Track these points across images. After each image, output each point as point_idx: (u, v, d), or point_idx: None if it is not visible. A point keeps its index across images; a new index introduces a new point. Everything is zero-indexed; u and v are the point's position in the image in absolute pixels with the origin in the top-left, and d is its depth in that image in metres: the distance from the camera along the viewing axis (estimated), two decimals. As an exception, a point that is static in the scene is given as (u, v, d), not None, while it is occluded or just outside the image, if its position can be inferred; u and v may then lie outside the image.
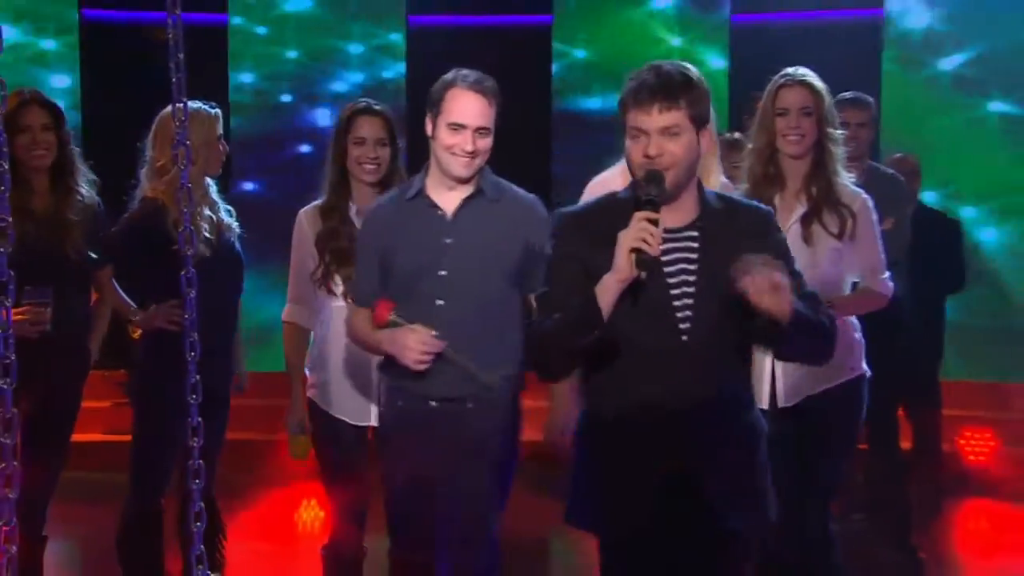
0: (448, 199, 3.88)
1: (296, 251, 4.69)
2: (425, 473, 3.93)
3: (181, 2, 2.81)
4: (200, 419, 3.06)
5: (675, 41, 10.02)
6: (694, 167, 3.17)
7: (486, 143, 3.81)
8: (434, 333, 3.76)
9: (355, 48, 10.32)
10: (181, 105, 2.97)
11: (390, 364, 3.96)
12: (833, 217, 4.46)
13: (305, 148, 9.95)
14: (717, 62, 9.87)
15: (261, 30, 10.27)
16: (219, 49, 9.95)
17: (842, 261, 4.52)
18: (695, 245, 3.19)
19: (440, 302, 3.82)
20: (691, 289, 3.18)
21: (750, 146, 4.64)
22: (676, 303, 3.17)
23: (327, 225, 4.53)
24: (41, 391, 4.41)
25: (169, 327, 4.64)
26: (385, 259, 3.96)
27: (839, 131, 4.55)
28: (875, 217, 4.56)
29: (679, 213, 3.18)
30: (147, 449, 4.94)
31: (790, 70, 4.54)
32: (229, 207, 5.06)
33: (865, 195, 4.55)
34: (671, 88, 3.08)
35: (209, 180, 4.92)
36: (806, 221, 4.47)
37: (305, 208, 4.69)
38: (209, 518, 5.12)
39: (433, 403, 3.90)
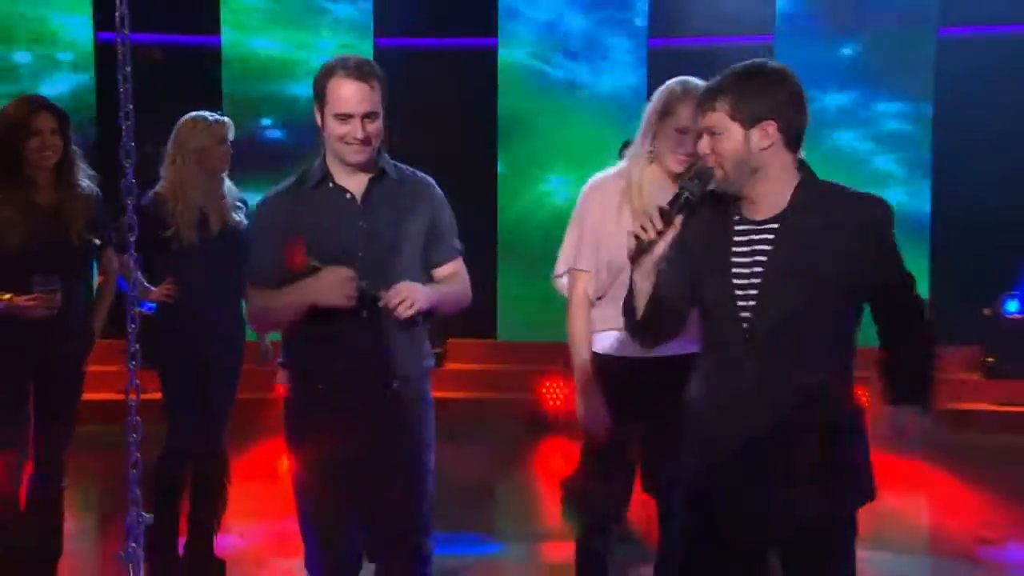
0: (354, 183, 3.46)
1: None
2: (346, 467, 3.49)
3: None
4: (136, 382, 3.20)
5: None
6: (750, 163, 2.89)
7: (376, 127, 3.37)
8: (351, 273, 3.34)
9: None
10: (127, 112, 3.06)
11: (300, 350, 3.55)
12: None
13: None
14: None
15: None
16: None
17: None
18: (771, 237, 2.92)
19: (363, 283, 3.35)
20: (758, 280, 2.91)
21: None
22: (739, 294, 2.92)
23: None
24: (51, 366, 4.45)
25: (165, 300, 4.85)
26: None
27: None
28: None
29: (760, 207, 2.94)
30: (174, 401, 4.97)
31: None
32: (240, 202, 5.09)
33: None
34: (710, 91, 2.92)
35: (224, 177, 4.99)
36: None
37: None
38: (219, 465, 5.17)
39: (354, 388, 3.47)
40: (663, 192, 3.50)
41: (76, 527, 5.64)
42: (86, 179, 4.55)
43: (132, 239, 3.12)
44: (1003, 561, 5.89)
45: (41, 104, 4.47)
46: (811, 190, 2.93)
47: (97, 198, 4.60)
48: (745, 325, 2.91)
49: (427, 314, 3.48)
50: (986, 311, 9.22)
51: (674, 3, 9.99)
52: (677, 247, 2.97)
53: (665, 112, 3.76)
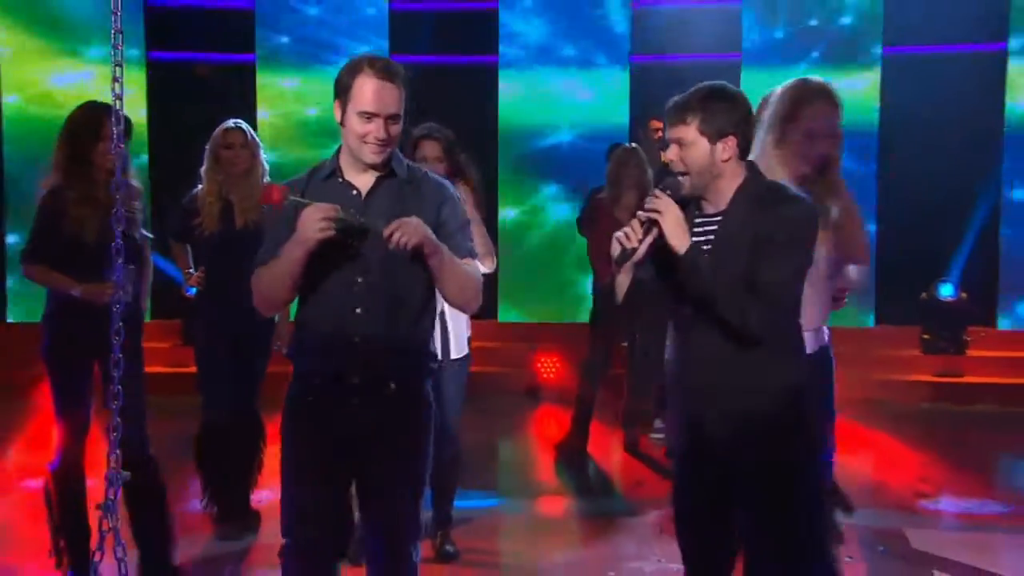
0: (362, 180, 3.10)
1: None
2: (338, 461, 3.14)
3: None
4: (116, 359, 3.31)
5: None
6: (712, 171, 2.96)
7: (397, 129, 3.03)
8: (333, 207, 2.96)
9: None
10: (117, 119, 3.28)
11: (302, 345, 3.19)
12: None
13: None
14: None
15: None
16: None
17: None
18: (715, 228, 3.00)
19: (360, 279, 3.04)
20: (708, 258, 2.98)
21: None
22: None
23: None
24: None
25: (198, 286, 5.02)
26: None
27: None
28: None
29: (712, 203, 3.02)
30: (206, 375, 5.04)
31: None
32: None
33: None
34: (680, 107, 2.98)
35: (258, 177, 5.04)
36: None
37: None
38: (254, 429, 5.19)
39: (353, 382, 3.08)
40: None
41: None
42: (135, 178, 4.52)
43: (120, 229, 3.31)
44: (938, 512, 5.91)
45: (107, 111, 4.41)
46: (751, 189, 2.99)
47: (140, 192, 4.60)
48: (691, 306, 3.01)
49: (430, 290, 3.13)
50: (923, 295, 9.29)
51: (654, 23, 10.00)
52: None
53: (792, 115, 3.52)
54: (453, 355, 4.78)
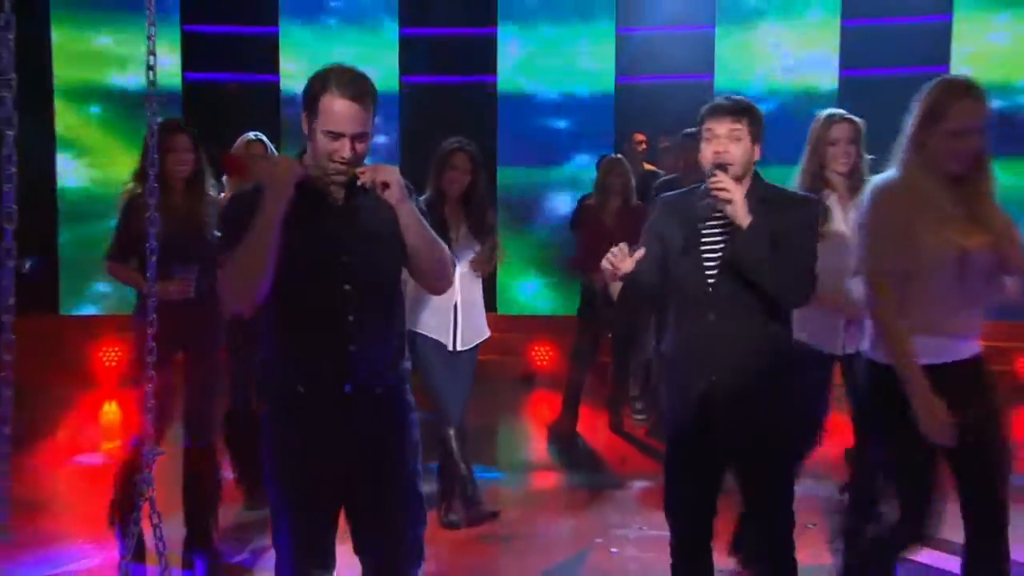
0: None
1: None
2: (333, 471, 2.73)
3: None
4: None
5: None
6: (747, 168, 3.04)
7: (365, 147, 2.65)
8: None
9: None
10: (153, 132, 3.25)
11: (281, 354, 2.74)
12: None
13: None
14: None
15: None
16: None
17: None
18: (732, 227, 3.00)
19: (347, 286, 2.68)
20: (716, 258, 3.03)
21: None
22: (707, 262, 3.03)
23: None
24: (193, 340, 4.30)
25: None
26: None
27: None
28: None
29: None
30: (237, 369, 4.94)
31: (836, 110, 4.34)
32: None
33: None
34: (739, 105, 3.05)
35: None
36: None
37: None
38: None
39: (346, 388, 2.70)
40: (945, 194, 3.00)
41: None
42: (213, 188, 4.50)
43: (152, 230, 3.29)
44: None
45: (177, 126, 4.39)
46: (758, 192, 3.05)
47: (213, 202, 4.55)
48: (710, 288, 3.02)
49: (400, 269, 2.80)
50: None
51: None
52: (652, 239, 3.12)
53: (937, 116, 3.11)
54: (459, 347, 4.81)
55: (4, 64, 2.49)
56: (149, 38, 3.06)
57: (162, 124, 4.35)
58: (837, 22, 9.63)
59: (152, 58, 3.06)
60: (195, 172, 4.34)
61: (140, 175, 4.29)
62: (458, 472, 4.86)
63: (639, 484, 5.68)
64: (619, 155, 7.06)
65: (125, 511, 4.33)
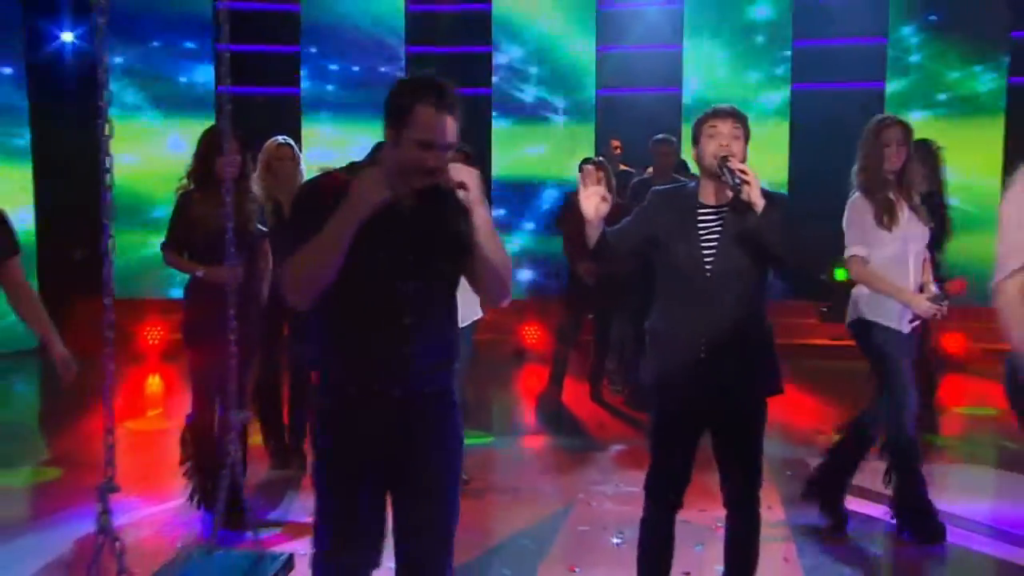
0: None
1: None
2: (377, 473, 2.45)
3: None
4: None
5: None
6: (744, 160, 2.96)
7: (451, 155, 2.38)
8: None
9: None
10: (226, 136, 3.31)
11: (334, 353, 2.44)
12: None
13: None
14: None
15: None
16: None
17: None
18: (724, 215, 2.97)
19: (408, 284, 2.40)
20: (715, 244, 2.95)
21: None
22: (705, 253, 2.96)
23: None
24: (241, 321, 4.16)
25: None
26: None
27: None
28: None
29: (717, 196, 2.99)
30: (265, 341, 4.84)
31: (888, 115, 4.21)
32: None
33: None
34: (736, 110, 3.00)
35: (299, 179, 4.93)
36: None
37: None
38: (307, 382, 5.02)
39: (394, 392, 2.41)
40: None
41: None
42: (256, 188, 4.47)
43: (230, 224, 3.31)
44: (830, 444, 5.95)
45: (224, 133, 4.36)
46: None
47: (257, 198, 4.52)
48: (708, 273, 2.95)
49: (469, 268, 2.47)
50: (823, 276, 9.26)
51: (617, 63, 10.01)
52: (642, 221, 3.07)
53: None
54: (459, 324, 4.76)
55: (102, 78, 2.56)
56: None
57: (213, 130, 4.36)
58: (789, 43, 9.66)
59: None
60: (242, 173, 4.29)
61: (192, 175, 4.30)
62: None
63: (615, 447, 5.71)
64: (601, 158, 7.06)
65: (202, 475, 4.36)
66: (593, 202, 2.91)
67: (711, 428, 3.07)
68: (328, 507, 2.47)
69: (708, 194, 3.02)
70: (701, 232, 2.98)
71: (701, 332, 2.96)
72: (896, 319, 4.05)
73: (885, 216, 3.99)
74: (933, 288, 4.07)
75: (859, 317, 4.13)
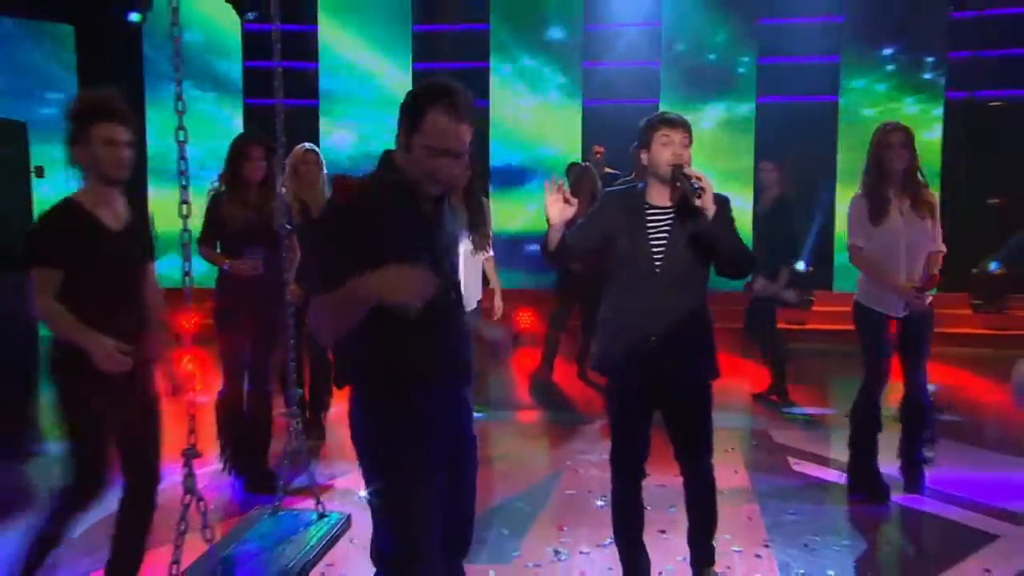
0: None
1: None
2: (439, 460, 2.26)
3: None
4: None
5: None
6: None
7: (464, 161, 2.18)
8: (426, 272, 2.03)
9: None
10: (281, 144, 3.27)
11: (401, 347, 2.17)
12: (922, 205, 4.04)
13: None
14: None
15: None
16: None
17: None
18: (672, 217, 2.93)
19: (452, 290, 2.30)
20: (664, 243, 2.91)
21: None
22: (655, 251, 2.91)
23: None
24: (262, 308, 4.20)
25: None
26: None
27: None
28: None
29: (664, 198, 2.95)
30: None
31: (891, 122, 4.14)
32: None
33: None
34: (684, 121, 2.92)
35: (322, 182, 4.98)
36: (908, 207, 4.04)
37: None
38: (327, 366, 5.06)
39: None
40: None
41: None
42: (282, 187, 4.39)
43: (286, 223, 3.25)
44: (792, 415, 5.90)
45: (254, 138, 4.35)
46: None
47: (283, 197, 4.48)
48: (658, 269, 2.91)
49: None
50: (974, 271, 9.17)
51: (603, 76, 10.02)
52: (596, 220, 2.99)
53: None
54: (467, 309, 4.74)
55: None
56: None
57: (240, 137, 4.39)
58: (754, 64, 9.69)
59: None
60: (267, 175, 4.29)
61: (222, 178, 4.33)
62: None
63: (600, 421, 5.70)
64: (587, 163, 7.08)
65: (232, 447, 4.38)
66: (557, 208, 2.83)
67: (661, 408, 3.01)
68: (407, 500, 2.16)
69: (656, 196, 2.96)
70: (650, 231, 2.93)
71: (650, 322, 2.91)
72: (885, 305, 4.07)
73: (875, 213, 4.03)
74: (915, 279, 4.05)
75: (856, 301, 4.17)
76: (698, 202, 2.78)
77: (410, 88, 2.20)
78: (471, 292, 4.83)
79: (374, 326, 2.10)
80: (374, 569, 2.29)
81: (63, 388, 2.71)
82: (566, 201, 2.83)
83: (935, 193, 4.14)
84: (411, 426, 2.19)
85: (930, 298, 4.10)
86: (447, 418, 2.28)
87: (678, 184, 2.85)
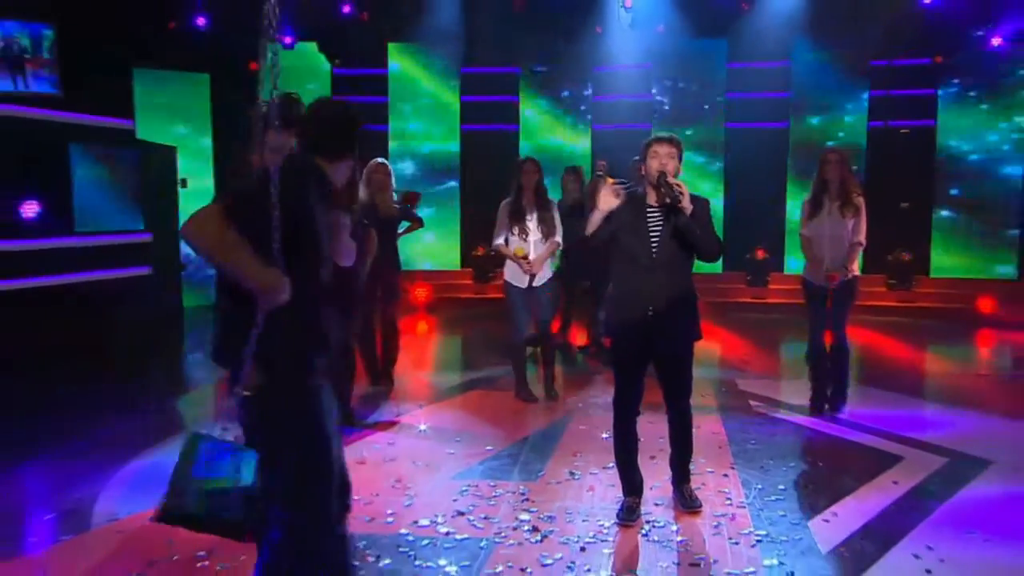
0: None
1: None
2: None
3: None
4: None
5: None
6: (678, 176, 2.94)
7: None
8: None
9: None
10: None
11: None
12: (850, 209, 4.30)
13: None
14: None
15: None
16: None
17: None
18: (663, 213, 2.94)
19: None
20: (658, 234, 2.94)
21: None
22: (652, 240, 2.94)
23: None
24: (348, 285, 3.96)
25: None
26: None
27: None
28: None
29: (660, 198, 2.93)
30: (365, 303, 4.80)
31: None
32: (398, 202, 5.10)
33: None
34: (672, 136, 2.99)
35: (390, 188, 4.97)
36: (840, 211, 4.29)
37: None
38: (394, 326, 5.06)
39: None
40: None
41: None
42: (362, 193, 4.35)
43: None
44: (750, 370, 5.87)
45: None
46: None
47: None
48: (654, 255, 2.93)
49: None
50: (747, 256, 9.24)
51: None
52: (609, 218, 2.97)
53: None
54: (534, 284, 4.66)
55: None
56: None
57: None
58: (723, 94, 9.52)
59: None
60: (351, 180, 4.23)
61: None
62: (522, 369, 4.81)
63: (605, 372, 5.73)
64: (578, 166, 6.89)
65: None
66: (610, 198, 2.89)
67: (654, 362, 3.04)
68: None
69: (652, 198, 3.00)
70: (649, 226, 2.96)
71: (648, 297, 2.94)
72: (816, 276, 4.42)
73: (812, 212, 4.39)
74: (836, 265, 4.33)
75: (802, 277, 4.52)
76: (677, 204, 2.84)
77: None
78: (543, 270, 4.72)
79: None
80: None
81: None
82: (616, 195, 2.89)
83: (860, 199, 4.39)
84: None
85: (855, 275, 4.36)
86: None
87: (662, 189, 2.90)
